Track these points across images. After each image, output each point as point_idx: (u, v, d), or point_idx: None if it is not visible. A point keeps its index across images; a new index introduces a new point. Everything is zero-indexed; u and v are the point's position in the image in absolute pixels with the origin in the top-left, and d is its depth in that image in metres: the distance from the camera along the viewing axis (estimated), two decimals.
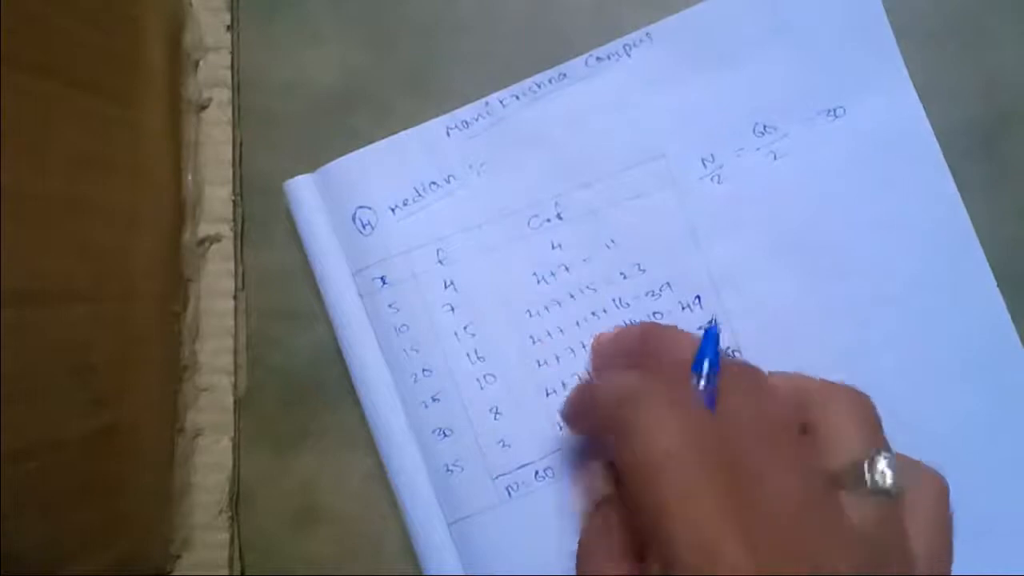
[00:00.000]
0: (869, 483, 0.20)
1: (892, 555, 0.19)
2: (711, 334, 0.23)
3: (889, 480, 0.20)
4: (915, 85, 0.27)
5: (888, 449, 0.21)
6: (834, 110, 0.27)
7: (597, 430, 0.24)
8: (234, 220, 0.29)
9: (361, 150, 0.28)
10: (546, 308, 0.28)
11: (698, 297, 0.27)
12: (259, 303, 0.29)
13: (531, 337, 0.28)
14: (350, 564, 0.28)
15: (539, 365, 0.27)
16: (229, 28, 0.30)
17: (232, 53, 0.30)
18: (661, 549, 0.19)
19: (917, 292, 0.27)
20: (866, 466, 0.20)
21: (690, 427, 0.20)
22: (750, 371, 0.22)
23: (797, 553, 0.18)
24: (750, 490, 0.19)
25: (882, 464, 0.20)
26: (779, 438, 0.20)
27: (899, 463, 0.20)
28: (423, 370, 0.28)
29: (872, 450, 0.20)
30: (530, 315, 0.28)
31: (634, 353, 0.24)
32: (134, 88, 0.27)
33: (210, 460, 0.29)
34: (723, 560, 0.18)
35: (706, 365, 0.22)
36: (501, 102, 0.28)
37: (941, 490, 0.21)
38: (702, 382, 0.22)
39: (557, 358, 0.27)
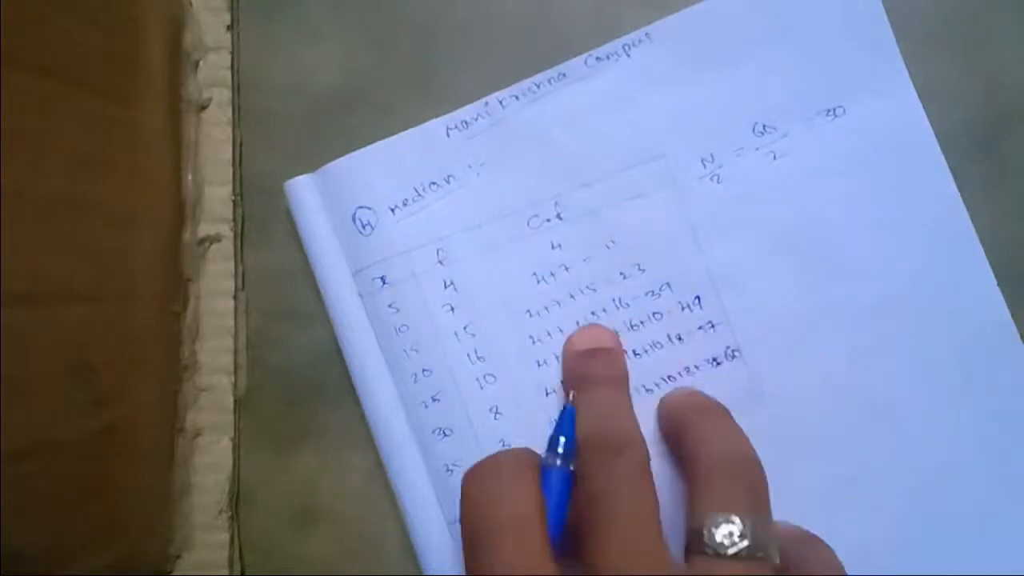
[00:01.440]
0: (707, 544, 0.20)
1: None
2: (565, 414, 0.24)
3: (728, 548, 0.20)
4: (915, 85, 0.27)
5: (754, 518, 0.21)
6: (834, 110, 0.27)
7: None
8: (234, 220, 0.29)
9: (361, 150, 0.28)
10: (546, 308, 0.28)
11: (698, 297, 0.27)
12: (259, 303, 0.29)
13: (531, 337, 0.28)
14: (350, 564, 0.28)
15: (539, 365, 0.27)
16: (229, 28, 0.30)
17: (232, 53, 0.30)
18: None
19: (917, 292, 0.27)
20: (706, 531, 0.20)
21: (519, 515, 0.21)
22: (620, 445, 0.23)
23: None
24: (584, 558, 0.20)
25: (725, 529, 0.20)
26: (625, 506, 0.21)
27: (758, 531, 0.20)
28: (423, 370, 0.28)
29: (720, 516, 0.21)
30: (530, 315, 0.28)
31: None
32: (134, 88, 0.27)
33: (210, 460, 0.29)
34: None
35: (561, 441, 0.24)
36: (501, 102, 0.28)
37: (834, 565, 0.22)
38: (557, 460, 0.23)
39: (557, 358, 0.27)
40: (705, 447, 0.23)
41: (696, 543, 0.20)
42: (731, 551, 0.20)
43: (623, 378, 0.26)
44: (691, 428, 0.24)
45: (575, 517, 0.22)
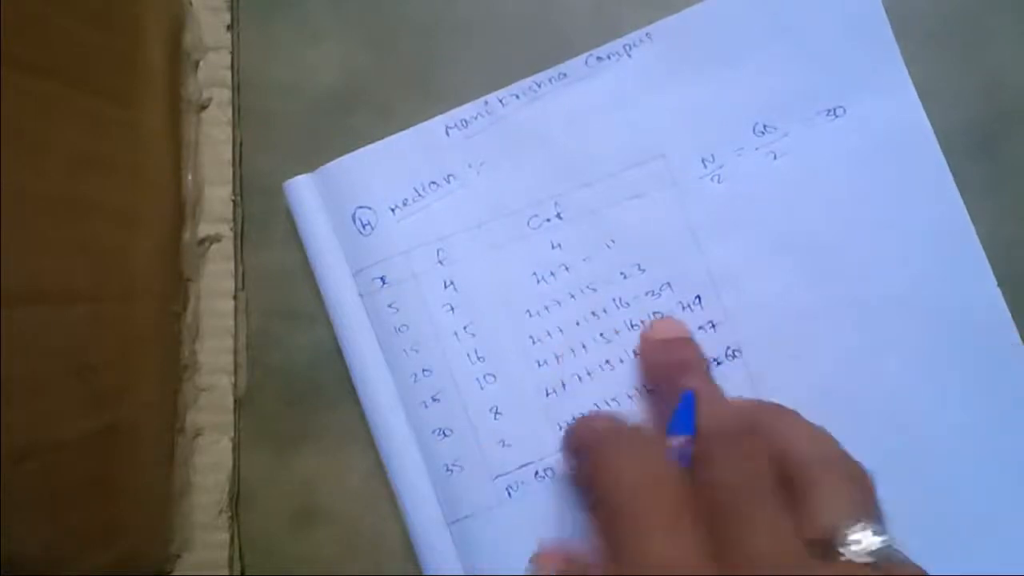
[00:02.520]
0: (845, 553, 0.20)
1: None
2: (688, 401, 0.24)
3: (865, 553, 0.20)
4: (915, 85, 0.27)
5: (875, 522, 0.21)
6: (834, 110, 0.27)
7: (580, 464, 0.25)
8: (234, 220, 0.29)
9: (361, 150, 0.28)
10: (546, 308, 0.28)
11: (698, 297, 0.27)
12: (259, 303, 0.29)
13: (531, 337, 0.28)
14: (350, 564, 0.28)
15: (539, 365, 0.27)
16: (229, 28, 0.30)
17: (232, 53, 0.30)
18: None
19: (917, 292, 0.27)
20: (845, 537, 0.20)
21: (664, 473, 0.21)
22: (759, 412, 0.23)
23: None
24: (725, 544, 0.20)
25: (860, 535, 0.20)
26: (766, 495, 0.21)
27: (888, 547, 0.20)
28: (423, 370, 0.28)
29: (851, 520, 0.20)
30: (530, 315, 0.28)
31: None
32: (134, 88, 0.27)
33: (210, 460, 0.29)
34: None
35: (680, 440, 0.23)
36: (501, 101, 0.28)
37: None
38: (676, 443, 0.23)
39: (557, 358, 0.27)
40: (797, 449, 0.22)
41: (826, 549, 0.20)
42: (867, 553, 0.20)
43: (710, 370, 0.26)
44: (770, 428, 0.23)
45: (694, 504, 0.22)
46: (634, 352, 0.27)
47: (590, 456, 0.23)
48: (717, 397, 0.25)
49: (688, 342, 0.26)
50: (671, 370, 0.26)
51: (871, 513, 0.21)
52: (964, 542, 0.26)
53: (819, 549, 0.20)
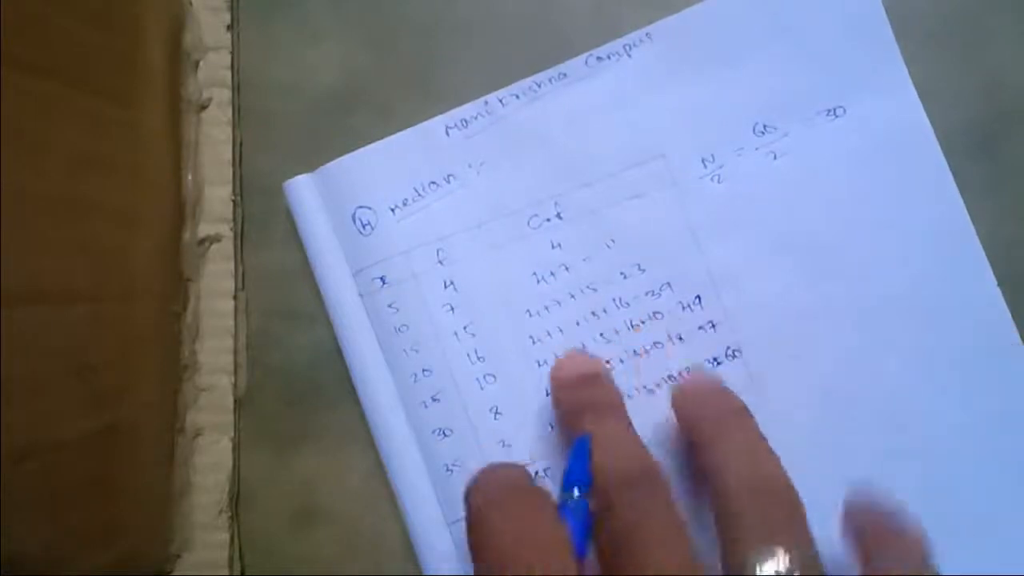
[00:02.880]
0: None
1: None
2: (580, 448, 0.23)
3: None
4: (915, 85, 0.27)
5: (792, 547, 0.20)
6: (834, 110, 0.27)
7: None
8: (234, 220, 0.29)
9: (361, 150, 0.28)
10: (546, 308, 0.28)
11: (698, 297, 0.27)
12: (259, 303, 0.29)
13: (531, 337, 0.28)
14: (350, 564, 0.28)
15: (539, 365, 0.27)
16: (229, 28, 0.30)
17: (232, 53, 0.30)
18: None
19: (917, 292, 0.27)
20: (754, 567, 0.20)
21: (543, 541, 0.20)
22: (640, 474, 0.22)
23: None
24: None
25: (766, 564, 0.19)
26: (656, 530, 0.21)
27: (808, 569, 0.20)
28: (423, 370, 0.28)
29: (762, 548, 0.20)
30: (530, 315, 0.28)
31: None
32: (134, 88, 0.27)
33: (210, 460, 0.29)
34: None
35: (576, 475, 0.23)
36: (501, 101, 0.28)
37: None
38: (575, 492, 0.22)
39: (557, 358, 0.27)
40: (730, 471, 0.22)
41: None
42: None
43: (622, 404, 0.25)
44: (710, 444, 0.23)
45: (596, 555, 0.21)
46: (634, 352, 0.27)
47: (472, 519, 0.21)
48: (619, 438, 0.24)
49: (596, 379, 0.25)
50: (574, 413, 0.25)
51: (796, 539, 0.20)
52: (964, 542, 0.26)
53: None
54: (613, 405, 0.25)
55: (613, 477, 0.22)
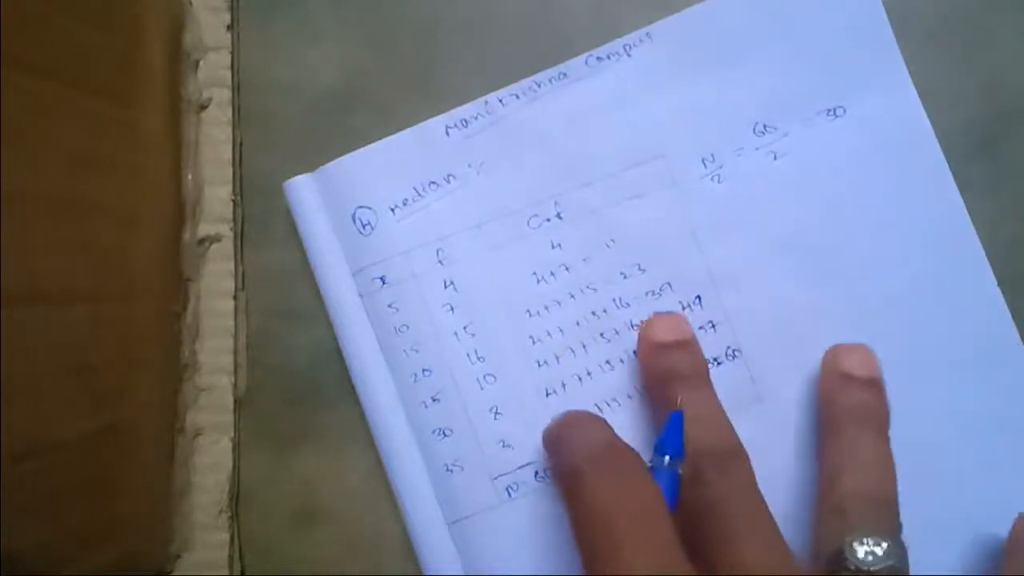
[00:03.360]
0: (849, 564, 0.20)
1: None
2: (675, 422, 0.24)
3: (865, 561, 0.20)
4: (915, 85, 0.27)
5: (885, 536, 0.21)
6: (834, 110, 0.27)
7: (559, 477, 0.24)
8: (234, 220, 0.29)
9: (361, 150, 0.28)
10: (546, 308, 0.28)
11: (698, 297, 0.27)
12: (259, 303, 0.29)
13: (531, 337, 0.28)
14: (350, 564, 0.28)
15: (539, 365, 0.27)
16: (229, 28, 0.30)
17: (232, 53, 0.30)
18: None
19: (917, 292, 0.27)
20: (846, 549, 0.20)
21: (643, 504, 0.21)
22: (729, 451, 0.23)
23: None
24: (712, 566, 0.20)
25: (859, 548, 0.20)
26: (749, 516, 0.21)
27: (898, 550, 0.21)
28: (423, 370, 0.28)
29: (855, 533, 0.21)
30: (530, 315, 0.28)
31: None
32: (134, 88, 0.27)
33: (210, 460, 0.29)
34: None
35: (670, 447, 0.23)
36: (501, 101, 0.28)
37: None
38: (665, 461, 0.23)
39: (557, 358, 0.27)
40: (848, 469, 0.23)
41: (836, 560, 0.20)
42: (875, 569, 0.20)
43: (708, 375, 0.26)
44: (839, 440, 0.24)
45: (682, 523, 0.22)
46: (634, 352, 0.27)
47: (568, 474, 0.22)
48: (711, 413, 0.24)
49: (687, 346, 0.26)
50: (665, 379, 0.25)
51: (882, 525, 0.21)
52: (964, 542, 0.26)
53: (828, 562, 0.20)
54: (701, 375, 0.25)
55: (705, 450, 0.23)
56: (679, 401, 0.24)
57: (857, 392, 0.25)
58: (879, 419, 0.24)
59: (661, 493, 0.21)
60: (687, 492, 0.22)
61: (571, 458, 0.22)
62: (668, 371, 0.25)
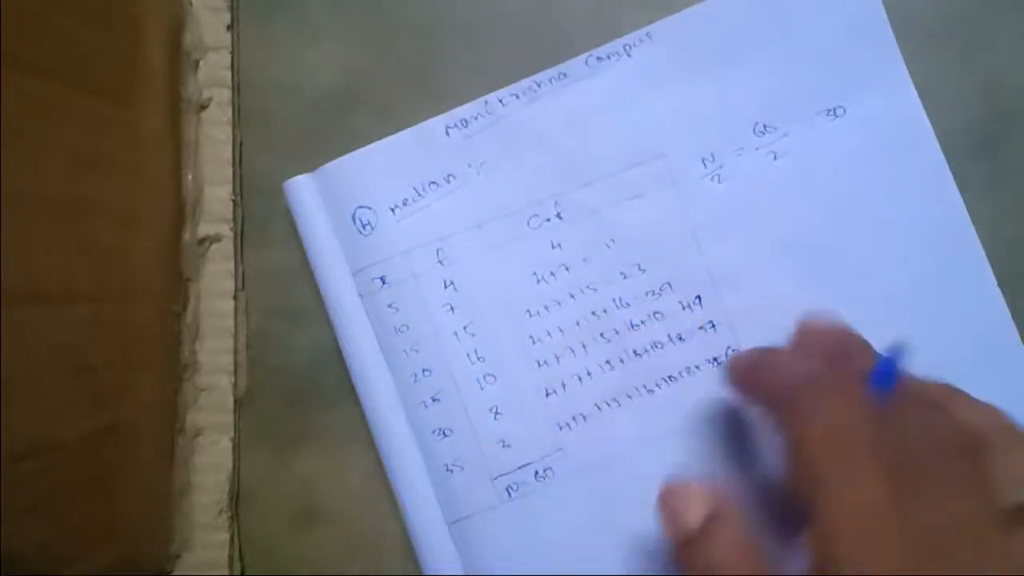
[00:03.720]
0: None
1: None
2: (891, 359, 0.23)
3: None
4: (915, 85, 0.27)
5: None
6: (834, 110, 0.27)
7: (766, 399, 0.23)
8: (234, 220, 0.29)
9: (361, 150, 0.28)
10: (546, 308, 0.28)
11: (698, 297, 0.27)
12: (259, 303, 0.29)
13: (531, 337, 0.28)
14: (350, 564, 0.28)
15: (539, 365, 0.27)
16: (229, 28, 0.30)
17: (232, 53, 0.30)
18: (817, 531, 0.19)
19: (917, 292, 0.27)
20: None
21: (866, 416, 0.20)
22: (934, 390, 0.23)
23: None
24: (915, 498, 0.19)
25: None
26: (952, 461, 0.20)
27: None
28: (423, 370, 0.28)
29: None
30: (530, 315, 0.28)
31: (827, 351, 0.24)
32: (134, 88, 0.27)
33: (210, 460, 0.29)
34: (881, 556, 0.18)
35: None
36: (501, 101, 0.28)
37: None
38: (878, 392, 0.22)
39: (557, 358, 0.27)
40: (976, 423, 0.22)
41: (1015, 519, 0.20)
42: None
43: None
44: (948, 403, 0.22)
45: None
46: (633, 351, 0.27)
47: (786, 401, 0.22)
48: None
49: (849, 332, 0.25)
50: (840, 350, 0.24)
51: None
52: None
53: (1007, 519, 0.20)
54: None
55: (902, 397, 0.22)
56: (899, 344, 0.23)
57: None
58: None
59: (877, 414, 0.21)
60: (889, 429, 0.21)
61: (789, 389, 0.22)
62: (847, 343, 0.24)
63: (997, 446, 0.21)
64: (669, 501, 0.23)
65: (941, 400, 0.22)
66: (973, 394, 0.26)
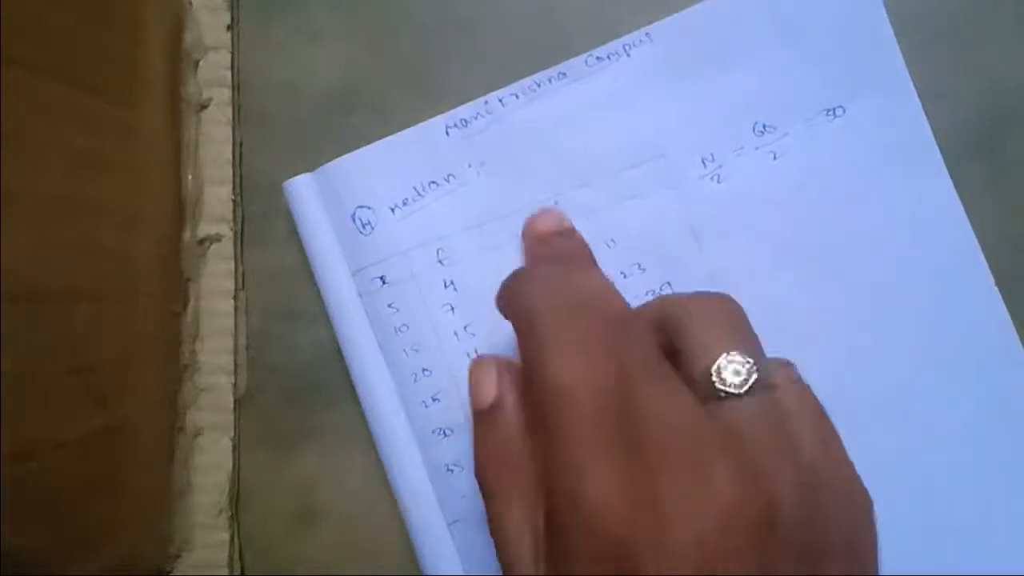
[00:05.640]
0: (719, 387, 0.19)
1: (773, 448, 0.19)
2: None
3: (734, 381, 0.19)
4: (915, 85, 0.27)
5: (742, 350, 0.20)
6: (834, 110, 0.27)
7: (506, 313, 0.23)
8: (234, 220, 0.29)
9: (361, 150, 0.28)
10: None
11: None
12: (259, 303, 0.29)
13: None
14: (350, 564, 0.28)
15: None
16: (229, 28, 0.30)
17: (232, 53, 0.30)
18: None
19: (916, 292, 0.27)
20: (714, 372, 0.20)
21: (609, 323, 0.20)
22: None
23: (669, 468, 0.18)
24: (623, 419, 0.19)
25: (727, 367, 0.20)
26: (649, 370, 0.20)
27: (758, 362, 0.20)
28: (423, 370, 0.28)
29: (719, 355, 0.20)
30: None
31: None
32: (134, 88, 0.27)
33: (210, 460, 0.29)
34: (591, 474, 0.18)
35: None
36: (501, 101, 0.28)
37: (802, 390, 0.21)
38: None
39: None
40: (670, 308, 0.22)
41: (706, 387, 0.20)
42: (743, 387, 0.19)
43: (592, 256, 0.25)
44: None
45: None
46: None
47: (511, 284, 0.22)
48: (603, 290, 0.23)
49: (571, 233, 0.25)
50: (549, 263, 0.25)
51: (738, 339, 0.21)
52: (964, 542, 0.26)
53: (702, 393, 0.20)
54: (588, 257, 0.25)
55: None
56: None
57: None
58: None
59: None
60: None
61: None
62: (553, 256, 0.25)
63: (682, 330, 0.21)
64: (472, 372, 0.23)
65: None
66: (972, 395, 0.27)
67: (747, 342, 0.21)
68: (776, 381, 0.20)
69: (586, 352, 0.20)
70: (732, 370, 0.20)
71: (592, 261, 0.25)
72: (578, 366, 0.19)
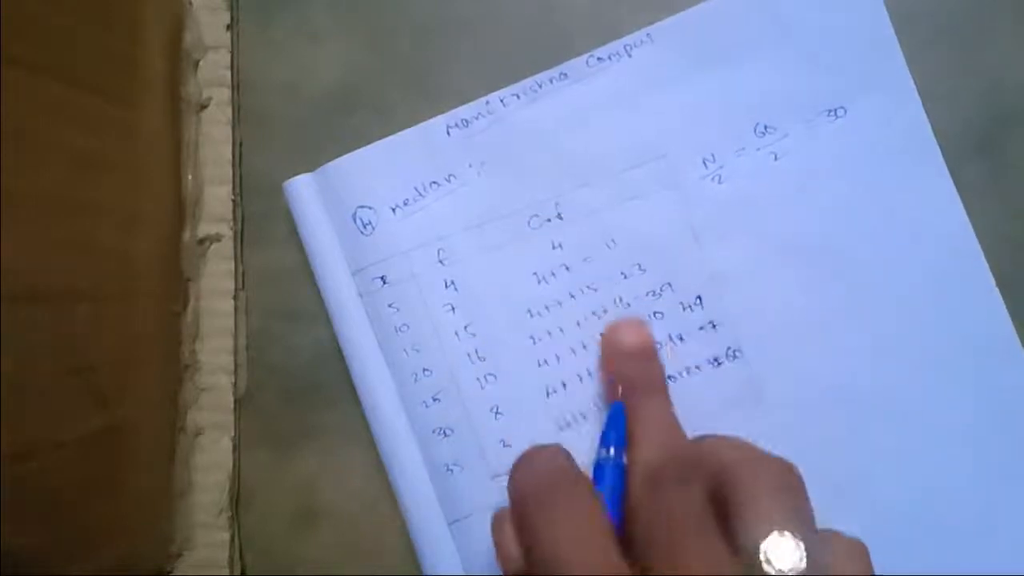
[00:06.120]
0: (765, 568, 0.19)
1: None
2: (616, 410, 0.25)
3: (782, 567, 0.19)
4: (916, 85, 0.27)
5: (795, 530, 0.20)
6: (835, 110, 0.27)
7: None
8: (234, 220, 0.29)
9: (361, 149, 0.28)
10: (546, 308, 0.28)
11: (699, 297, 0.27)
12: (259, 303, 0.29)
13: (531, 337, 0.28)
14: (350, 564, 0.28)
15: (539, 365, 0.27)
16: (229, 28, 0.30)
17: (232, 53, 0.30)
18: None
19: (917, 292, 0.27)
20: (763, 552, 0.19)
21: (591, 534, 0.21)
22: (678, 462, 0.22)
23: None
24: None
25: (777, 548, 0.19)
26: (694, 529, 0.20)
27: (808, 542, 0.19)
28: (423, 370, 0.28)
29: (771, 533, 0.20)
30: (530, 315, 0.28)
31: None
32: (134, 88, 0.27)
33: (210, 459, 0.29)
34: None
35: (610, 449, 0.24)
36: (502, 101, 0.28)
37: (861, 553, 0.21)
38: (611, 452, 0.24)
39: (557, 358, 0.27)
40: (730, 469, 0.21)
41: (750, 557, 0.19)
42: (790, 571, 0.19)
43: (665, 384, 0.27)
44: (710, 451, 0.23)
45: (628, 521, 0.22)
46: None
47: (516, 508, 0.22)
48: (667, 424, 0.25)
49: (653, 356, 0.26)
50: (630, 385, 0.26)
51: (797, 519, 0.20)
52: (964, 542, 0.26)
53: (745, 559, 0.19)
54: (661, 387, 0.26)
55: (650, 464, 0.23)
56: (619, 391, 0.25)
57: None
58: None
59: (611, 525, 0.21)
60: (639, 494, 0.23)
61: (519, 489, 0.22)
62: (631, 380, 0.26)
63: (736, 494, 0.20)
64: (494, 530, 0.23)
65: (704, 448, 0.22)
66: (972, 395, 0.27)
67: (803, 521, 0.20)
68: (827, 560, 0.20)
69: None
70: (782, 552, 0.19)
71: (664, 390, 0.26)
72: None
